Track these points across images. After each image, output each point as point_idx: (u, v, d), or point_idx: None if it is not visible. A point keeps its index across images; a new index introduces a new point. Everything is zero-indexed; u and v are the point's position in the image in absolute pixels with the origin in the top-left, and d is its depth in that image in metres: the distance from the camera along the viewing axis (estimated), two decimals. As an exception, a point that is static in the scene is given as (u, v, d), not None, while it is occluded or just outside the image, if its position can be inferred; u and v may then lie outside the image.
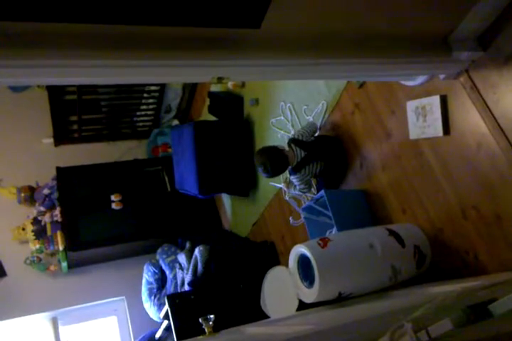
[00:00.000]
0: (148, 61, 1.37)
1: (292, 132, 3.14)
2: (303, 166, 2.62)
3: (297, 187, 2.80)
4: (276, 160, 2.61)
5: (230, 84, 3.89)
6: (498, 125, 1.81)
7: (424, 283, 2.08)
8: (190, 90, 4.94)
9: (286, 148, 2.71)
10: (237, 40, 1.46)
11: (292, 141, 2.68)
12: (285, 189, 3.27)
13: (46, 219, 4.30)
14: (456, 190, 2.03)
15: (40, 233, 4.28)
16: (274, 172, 2.67)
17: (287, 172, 2.83)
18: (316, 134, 2.87)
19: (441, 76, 1.98)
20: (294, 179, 2.73)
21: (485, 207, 1.90)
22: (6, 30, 1.17)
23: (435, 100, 2.05)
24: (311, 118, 2.95)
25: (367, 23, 1.60)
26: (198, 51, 1.41)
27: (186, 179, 3.86)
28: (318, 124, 2.88)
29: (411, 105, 2.17)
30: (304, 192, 2.84)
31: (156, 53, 1.36)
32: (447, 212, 2.08)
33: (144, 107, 5.09)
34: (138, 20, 1.27)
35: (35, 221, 4.35)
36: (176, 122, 5.08)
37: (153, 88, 4.92)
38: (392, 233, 2.11)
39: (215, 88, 4.28)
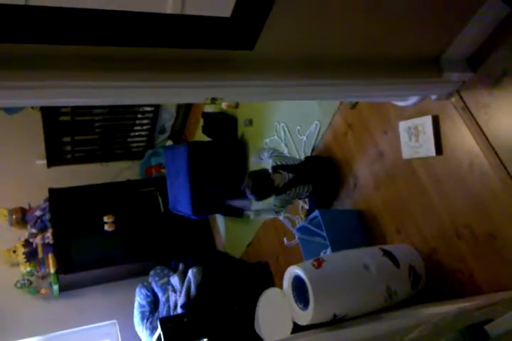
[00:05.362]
0: (142, 82, 1.37)
1: (285, 152, 3.14)
2: (289, 188, 2.63)
3: (272, 202, 2.75)
4: (259, 182, 2.59)
5: (223, 105, 3.91)
6: (490, 144, 1.82)
7: (419, 304, 2.05)
8: (185, 111, 4.97)
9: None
10: (231, 62, 1.47)
11: (278, 167, 2.67)
12: (285, 220, 3.20)
13: (38, 241, 4.25)
14: (450, 209, 2.03)
15: (31, 255, 4.22)
16: (258, 194, 2.62)
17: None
18: (308, 154, 2.86)
19: (433, 96, 2.00)
20: (275, 198, 2.71)
21: (478, 226, 1.90)
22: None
23: (427, 120, 2.07)
24: (305, 138, 2.96)
25: (359, 45, 1.62)
26: (192, 72, 1.42)
27: (180, 200, 3.84)
28: (312, 144, 2.88)
29: (403, 125, 2.19)
30: (275, 210, 2.79)
31: (150, 74, 1.37)
32: (441, 231, 2.08)
33: (138, 128, 5.09)
34: (133, 42, 1.28)
35: (27, 243, 4.29)
36: (169, 142, 5.08)
37: (147, 109, 4.93)
38: (387, 253, 2.10)
39: (209, 108, 4.31)
